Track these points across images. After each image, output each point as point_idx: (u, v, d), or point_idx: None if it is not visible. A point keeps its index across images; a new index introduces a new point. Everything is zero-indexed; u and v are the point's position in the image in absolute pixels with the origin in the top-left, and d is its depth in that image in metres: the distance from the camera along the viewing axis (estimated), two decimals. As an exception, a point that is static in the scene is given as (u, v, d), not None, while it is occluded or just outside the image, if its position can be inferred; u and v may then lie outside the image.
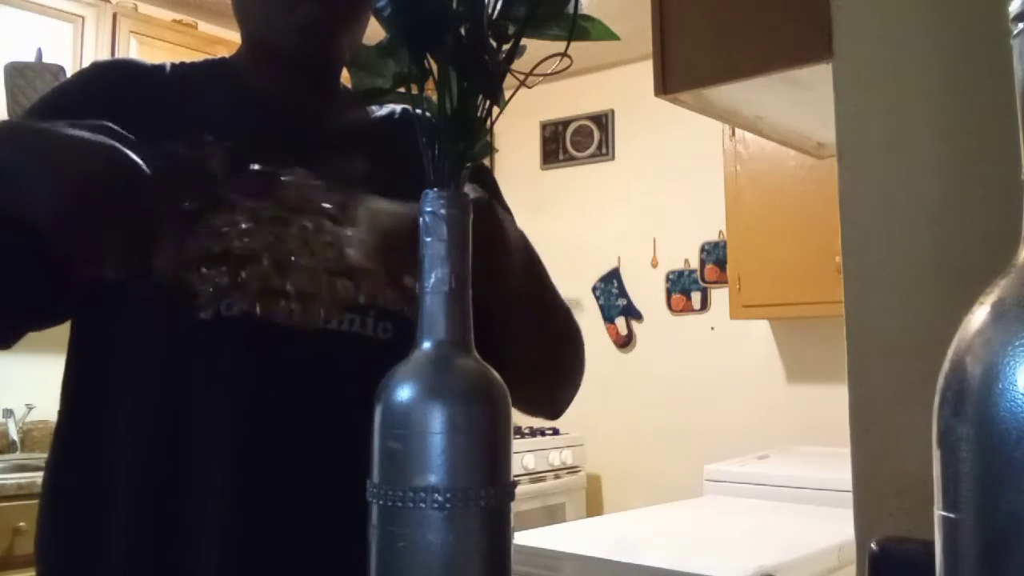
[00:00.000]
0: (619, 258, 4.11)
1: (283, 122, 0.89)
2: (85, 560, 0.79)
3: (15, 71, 2.87)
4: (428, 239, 0.49)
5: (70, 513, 0.81)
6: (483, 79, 0.53)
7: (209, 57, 0.96)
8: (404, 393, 0.46)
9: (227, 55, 0.96)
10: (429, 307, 0.48)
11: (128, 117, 0.71)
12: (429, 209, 0.49)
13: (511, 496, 0.47)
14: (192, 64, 0.93)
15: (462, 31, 0.53)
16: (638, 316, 4.07)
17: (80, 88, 0.88)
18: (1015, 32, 0.37)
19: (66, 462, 0.83)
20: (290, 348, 0.79)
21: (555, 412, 0.93)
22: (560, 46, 0.56)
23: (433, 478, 0.44)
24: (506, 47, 0.54)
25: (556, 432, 3.76)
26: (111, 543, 0.78)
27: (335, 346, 0.81)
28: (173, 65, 0.91)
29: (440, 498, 0.44)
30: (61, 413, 0.84)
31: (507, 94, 0.56)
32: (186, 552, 0.76)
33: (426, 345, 0.48)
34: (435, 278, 0.48)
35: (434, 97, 0.53)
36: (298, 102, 0.90)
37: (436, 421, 0.45)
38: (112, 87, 0.86)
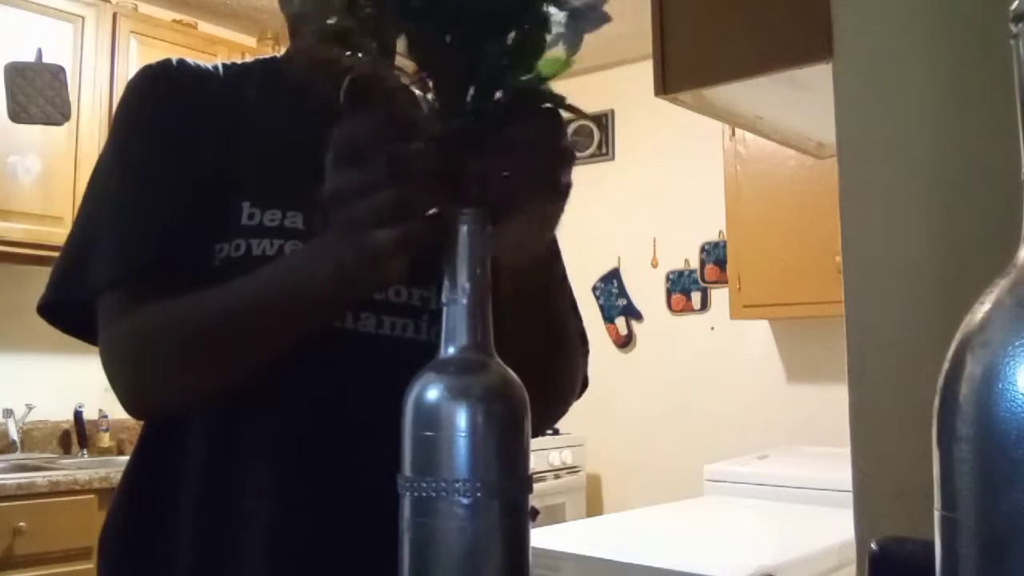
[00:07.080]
0: (619, 258, 4.12)
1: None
2: (150, 554, 0.81)
3: (15, 71, 2.88)
4: (449, 248, 0.52)
5: (142, 510, 0.83)
6: None
7: (260, 57, 0.94)
8: (431, 395, 0.50)
9: (277, 55, 0.94)
10: (451, 315, 0.52)
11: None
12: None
13: (529, 488, 0.52)
14: (244, 65, 0.91)
15: None
16: (638, 316, 4.07)
17: (148, 101, 0.85)
18: (1015, 32, 0.37)
19: (147, 455, 0.85)
20: (346, 351, 0.80)
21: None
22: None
23: (459, 472, 0.49)
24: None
25: (556, 432, 3.76)
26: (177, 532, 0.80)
27: (389, 350, 0.81)
28: (225, 66, 0.89)
29: (465, 490, 0.49)
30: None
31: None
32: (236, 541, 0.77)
33: (450, 351, 0.52)
34: (456, 287, 0.51)
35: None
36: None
37: (462, 421, 0.49)
38: (176, 94, 0.85)
